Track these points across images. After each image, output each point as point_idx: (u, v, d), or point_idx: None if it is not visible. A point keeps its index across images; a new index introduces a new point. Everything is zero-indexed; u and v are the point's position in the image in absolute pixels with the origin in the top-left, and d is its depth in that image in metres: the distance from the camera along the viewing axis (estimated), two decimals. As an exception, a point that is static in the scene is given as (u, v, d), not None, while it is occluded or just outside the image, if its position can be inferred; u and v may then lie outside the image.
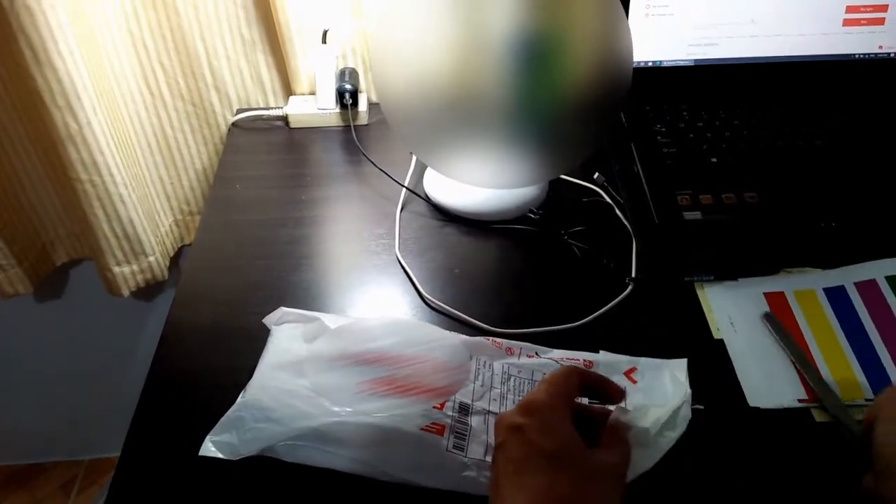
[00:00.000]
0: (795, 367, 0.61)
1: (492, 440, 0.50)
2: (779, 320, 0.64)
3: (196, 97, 0.95)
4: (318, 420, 0.52)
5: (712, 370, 0.61)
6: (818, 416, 0.57)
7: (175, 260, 1.10)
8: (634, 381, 0.59)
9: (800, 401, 0.58)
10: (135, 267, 0.99)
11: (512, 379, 0.58)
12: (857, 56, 0.84)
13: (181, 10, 0.87)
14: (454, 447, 0.52)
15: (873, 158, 0.77)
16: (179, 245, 1.10)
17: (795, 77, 0.84)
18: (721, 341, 0.63)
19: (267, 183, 0.85)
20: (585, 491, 0.40)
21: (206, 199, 0.92)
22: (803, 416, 0.57)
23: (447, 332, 0.62)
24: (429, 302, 0.68)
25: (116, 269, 0.97)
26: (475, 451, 0.52)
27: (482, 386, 0.57)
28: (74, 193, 0.89)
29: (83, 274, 1.14)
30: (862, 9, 0.81)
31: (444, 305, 0.67)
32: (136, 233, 0.95)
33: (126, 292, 1.01)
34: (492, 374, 0.58)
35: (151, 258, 0.99)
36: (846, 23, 0.82)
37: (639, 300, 0.68)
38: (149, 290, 1.07)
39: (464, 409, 0.54)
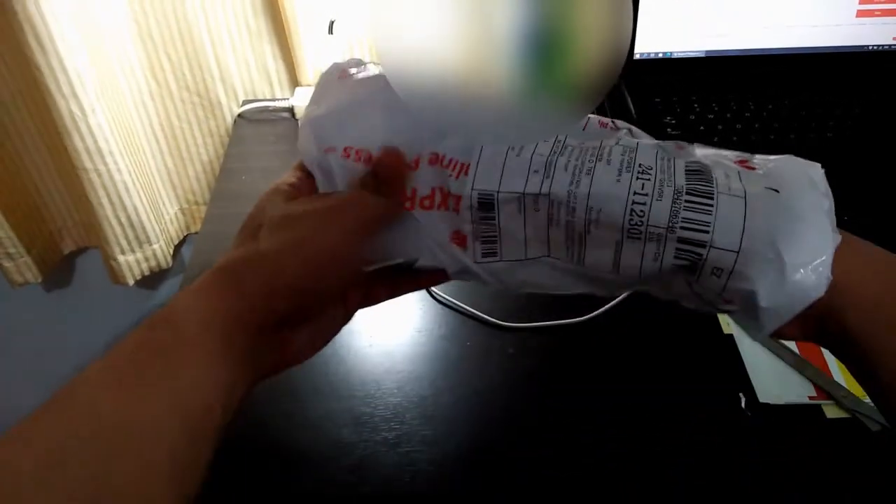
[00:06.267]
0: (792, 366, 0.60)
1: (523, 234, 0.36)
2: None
3: (202, 88, 0.94)
4: None
5: (722, 365, 0.61)
6: (830, 413, 0.57)
7: (179, 248, 1.10)
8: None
9: (810, 398, 0.58)
10: (139, 255, 0.99)
11: (570, 150, 0.36)
12: (870, 48, 0.83)
13: (187, -1, 0.86)
14: (484, 255, 0.37)
15: (886, 152, 0.76)
16: (185, 234, 1.10)
17: (808, 69, 0.83)
18: (731, 336, 0.63)
19: (273, 175, 0.83)
20: None
21: (211, 191, 0.92)
22: (814, 412, 0.57)
23: None
24: (435, 295, 0.67)
25: (121, 258, 0.98)
26: (511, 252, 0.37)
27: (517, 155, 0.36)
28: (80, 183, 0.89)
29: (89, 263, 1.14)
30: (876, -1, 0.80)
31: (450, 299, 0.66)
32: (140, 220, 0.95)
33: (131, 281, 1.01)
34: (535, 145, 0.37)
35: (156, 245, 1.00)
36: (860, 14, 0.81)
37: (650, 294, 0.67)
38: (153, 280, 1.07)
39: (485, 204, 0.36)
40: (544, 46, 0.62)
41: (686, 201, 0.32)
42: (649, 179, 0.33)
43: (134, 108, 0.94)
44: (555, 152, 0.36)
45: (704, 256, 0.32)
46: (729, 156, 0.35)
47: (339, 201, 0.36)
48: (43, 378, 1.34)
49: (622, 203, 0.33)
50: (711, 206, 0.32)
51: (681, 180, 0.33)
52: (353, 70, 0.41)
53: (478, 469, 0.54)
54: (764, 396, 0.58)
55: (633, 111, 0.80)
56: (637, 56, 0.82)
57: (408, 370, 0.61)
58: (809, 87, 0.83)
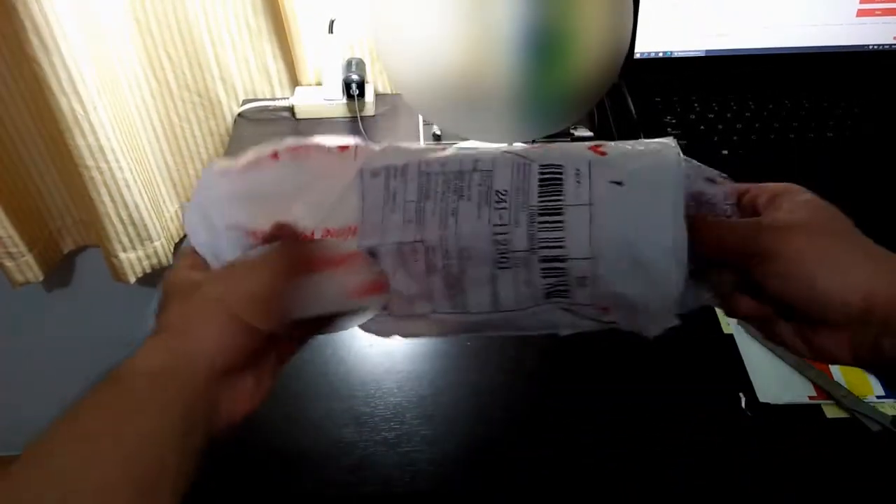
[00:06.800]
0: (792, 366, 0.60)
1: (408, 289, 0.38)
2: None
3: (202, 88, 0.94)
4: None
5: (722, 365, 0.61)
6: (830, 413, 0.57)
7: (180, 246, 1.10)
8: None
9: (810, 398, 0.58)
10: (140, 253, 1.00)
11: (436, 188, 0.38)
12: (870, 47, 0.83)
13: (187, -2, 0.87)
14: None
15: (886, 152, 0.76)
16: (185, 232, 1.10)
17: (808, 68, 0.83)
18: (731, 336, 0.63)
19: None
20: None
21: (212, 190, 0.92)
22: (814, 412, 0.57)
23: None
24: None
25: (122, 255, 0.98)
26: (400, 305, 0.39)
27: (393, 210, 0.38)
28: (81, 181, 0.89)
29: (89, 262, 1.14)
30: (877, -1, 0.80)
31: (451, 298, 0.66)
32: (142, 218, 0.96)
33: (132, 278, 1.01)
34: (405, 187, 0.38)
35: (157, 243, 1.00)
36: (860, 13, 0.81)
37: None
38: (155, 278, 1.07)
39: (373, 256, 0.38)
40: (544, 46, 0.62)
41: (540, 222, 0.35)
42: (506, 208, 0.36)
43: (134, 106, 0.94)
44: (423, 195, 0.37)
45: (566, 269, 0.35)
46: (585, 144, 0.37)
47: (267, 252, 0.37)
48: (45, 377, 1.35)
49: (487, 238, 0.36)
50: (562, 221, 0.35)
51: (534, 198, 0.36)
52: (238, 163, 0.42)
53: (478, 469, 0.54)
54: (764, 396, 0.58)
55: (633, 111, 0.80)
56: (637, 56, 0.81)
57: (408, 370, 0.61)
58: (809, 86, 0.83)
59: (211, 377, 0.34)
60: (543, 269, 0.36)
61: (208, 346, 0.34)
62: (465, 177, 0.37)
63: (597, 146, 0.37)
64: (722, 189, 0.38)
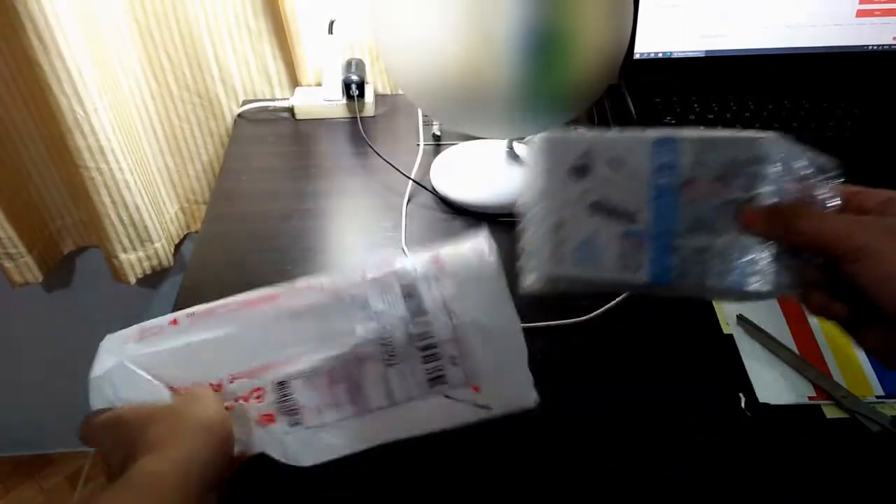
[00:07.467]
0: (791, 366, 0.60)
1: (317, 402, 0.45)
2: (754, 322, 0.63)
3: (202, 88, 0.94)
4: None
5: (722, 365, 0.61)
6: (830, 413, 0.57)
7: (180, 247, 1.10)
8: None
9: (810, 398, 0.58)
10: (141, 254, 1.00)
11: (325, 317, 0.46)
12: (870, 48, 0.83)
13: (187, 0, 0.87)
14: (291, 426, 0.46)
15: (886, 152, 0.76)
16: (185, 233, 1.10)
17: (807, 69, 0.83)
18: (731, 336, 0.63)
19: (273, 175, 0.85)
20: None
21: (211, 190, 0.92)
22: (814, 412, 0.57)
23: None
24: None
25: (123, 256, 0.98)
26: (311, 417, 0.46)
27: (296, 343, 0.46)
28: (82, 181, 0.89)
29: (89, 263, 1.14)
30: (876, -1, 0.80)
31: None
32: (142, 219, 0.96)
33: (133, 279, 1.01)
34: (298, 326, 0.47)
35: (157, 244, 1.00)
36: (860, 13, 0.81)
37: (648, 294, 0.67)
38: (155, 279, 1.07)
39: (281, 383, 0.46)
40: (543, 45, 0.62)
41: (413, 322, 0.45)
42: (384, 318, 0.45)
43: (134, 107, 0.94)
44: (320, 329, 0.46)
45: (440, 353, 0.45)
46: (425, 258, 0.46)
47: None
48: (45, 377, 1.35)
49: (375, 345, 0.45)
50: (427, 318, 0.44)
51: (402, 308, 0.45)
52: (143, 331, 0.49)
53: (478, 469, 0.54)
54: (764, 396, 0.58)
55: (632, 111, 0.80)
56: (637, 56, 0.82)
57: (408, 370, 0.61)
58: (809, 87, 0.83)
59: (201, 483, 0.38)
60: (423, 356, 0.45)
61: (201, 454, 0.39)
62: (348, 309, 0.46)
63: (435, 259, 0.46)
64: (829, 187, 0.39)
